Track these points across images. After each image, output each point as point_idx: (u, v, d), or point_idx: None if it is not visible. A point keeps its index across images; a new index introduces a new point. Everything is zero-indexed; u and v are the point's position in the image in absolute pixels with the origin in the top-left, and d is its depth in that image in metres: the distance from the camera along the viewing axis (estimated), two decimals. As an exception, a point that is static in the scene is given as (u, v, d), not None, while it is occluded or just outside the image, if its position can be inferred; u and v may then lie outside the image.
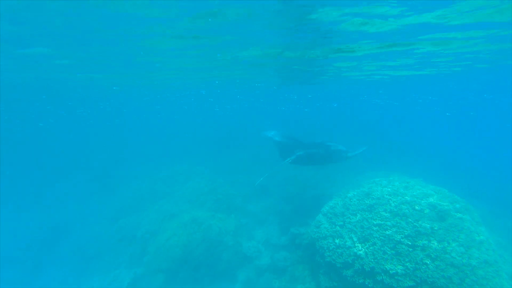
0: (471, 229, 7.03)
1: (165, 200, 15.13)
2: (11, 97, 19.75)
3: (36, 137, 47.20)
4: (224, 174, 17.14)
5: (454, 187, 9.24)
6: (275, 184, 16.36)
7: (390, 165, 15.20)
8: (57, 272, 13.25)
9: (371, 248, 7.18)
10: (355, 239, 7.55)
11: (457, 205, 7.61)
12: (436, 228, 6.96)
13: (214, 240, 11.65)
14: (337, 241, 7.89)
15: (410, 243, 6.87)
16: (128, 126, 62.19)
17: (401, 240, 6.97)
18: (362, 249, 7.26)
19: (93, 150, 30.82)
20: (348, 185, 10.95)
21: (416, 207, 7.49)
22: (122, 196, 16.88)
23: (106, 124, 58.94)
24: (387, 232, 7.22)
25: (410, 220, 7.25)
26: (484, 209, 9.57)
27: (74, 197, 18.86)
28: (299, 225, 12.01)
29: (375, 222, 7.58)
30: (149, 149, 28.55)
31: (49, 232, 15.43)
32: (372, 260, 6.96)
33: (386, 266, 6.72)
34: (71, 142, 41.59)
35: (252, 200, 15.38)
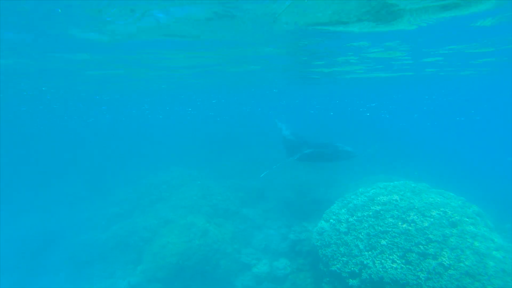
0: (485, 236, 6.66)
1: (160, 205, 14.64)
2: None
3: (29, 139, 46.24)
4: (221, 178, 16.70)
5: (460, 190, 8.90)
6: (273, 188, 15.96)
7: (390, 168, 14.85)
8: (50, 279, 12.74)
9: (379, 256, 6.78)
10: (361, 247, 7.14)
11: (468, 210, 7.25)
12: (448, 235, 6.58)
13: (211, 248, 11.20)
14: (342, 249, 7.48)
15: (421, 251, 6.47)
16: (123, 128, 61.35)
17: (411, 248, 6.57)
18: (369, 258, 6.86)
19: (87, 153, 30.17)
20: (349, 189, 10.61)
21: (426, 213, 7.11)
22: (116, 200, 16.36)
23: (100, 126, 58.06)
24: (396, 240, 6.82)
25: (420, 226, 6.86)
26: (493, 212, 9.24)
27: (68, 201, 18.30)
28: (299, 231, 11.62)
29: (382, 229, 7.18)
30: (144, 152, 28.02)
31: (42, 238, 14.87)
32: (381, 270, 6.55)
33: (396, 276, 6.32)
34: (65, 144, 40.69)
35: (249, 204, 14.95)
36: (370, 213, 7.73)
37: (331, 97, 36.31)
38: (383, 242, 6.92)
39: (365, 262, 6.86)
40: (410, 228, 6.91)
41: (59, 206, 17.69)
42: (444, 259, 6.24)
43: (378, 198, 8.07)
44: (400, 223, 7.12)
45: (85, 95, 22.18)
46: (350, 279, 6.97)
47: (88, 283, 12.17)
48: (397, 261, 6.54)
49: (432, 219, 6.96)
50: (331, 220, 8.41)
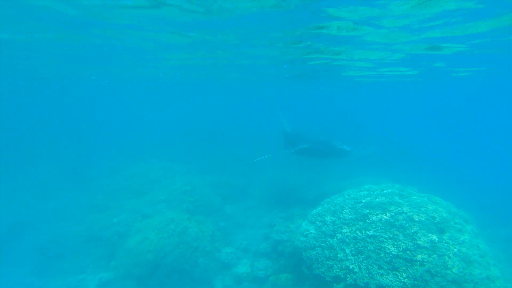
0: (472, 242, 6.58)
1: (138, 199, 14.07)
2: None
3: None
4: (204, 174, 16.23)
5: (447, 195, 8.84)
6: (256, 186, 15.65)
7: (379, 170, 14.77)
8: (15, 272, 11.97)
9: (365, 261, 6.56)
10: (347, 251, 6.91)
11: (456, 216, 7.16)
12: (436, 241, 6.44)
13: (190, 245, 10.76)
14: (327, 252, 7.23)
15: (408, 257, 6.30)
16: (102, 116, 59.13)
17: (399, 254, 6.39)
18: (355, 263, 6.64)
19: (62, 140, 28.83)
20: (337, 190, 10.39)
21: (415, 218, 6.96)
22: (91, 192, 15.65)
23: (77, 113, 55.78)
24: (383, 245, 6.63)
25: (408, 232, 6.69)
26: (477, 217, 9.28)
27: (39, 191, 17.32)
28: (282, 231, 11.34)
29: (369, 233, 6.98)
30: (125, 143, 27.10)
31: (8, 228, 13.96)
32: (367, 275, 6.34)
33: (382, 282, 6.12)
34: (37, 129, 38.73)
35: (231, 202, 14.60)
36: (358, 216, 7.52)
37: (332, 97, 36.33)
38: (370, 247, 6.71)
39: (350, 267, 6.64)
40: (398, 233, 6.74)
41: (28, 196, 16.72)
42: (431, 266, 6.09)
43: (366, 201, 7.87)
44: (388, 228, 6.93)
45: (63, 73, 20.78)
46: (335, 284, 6.73)
47: (56, 277, 11.50)
48: (384, 266, 6.35)
49: (420, 225, 6.81)
50: (316, 222, 8.16)
